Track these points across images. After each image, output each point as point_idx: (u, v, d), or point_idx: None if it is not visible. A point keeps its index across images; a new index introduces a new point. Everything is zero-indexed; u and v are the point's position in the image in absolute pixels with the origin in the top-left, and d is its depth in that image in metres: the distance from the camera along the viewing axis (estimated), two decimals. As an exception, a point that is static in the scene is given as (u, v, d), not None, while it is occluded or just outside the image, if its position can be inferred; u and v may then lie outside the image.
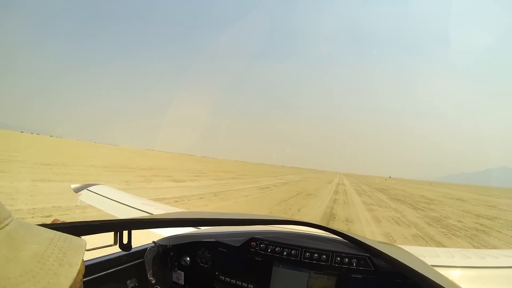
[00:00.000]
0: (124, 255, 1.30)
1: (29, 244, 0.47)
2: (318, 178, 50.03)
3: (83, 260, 0.86)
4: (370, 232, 8.29)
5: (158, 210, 2.37)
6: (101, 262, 1.23)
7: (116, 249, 1.04)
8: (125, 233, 1.03)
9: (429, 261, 1.36)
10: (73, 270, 0.50)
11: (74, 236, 0.51)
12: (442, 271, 1.23)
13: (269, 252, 1.37)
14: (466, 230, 9.96)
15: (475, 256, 1.71)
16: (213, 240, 1.49)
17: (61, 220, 0.76)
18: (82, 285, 0.85)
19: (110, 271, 1.25)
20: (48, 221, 0.73)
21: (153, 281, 1.42)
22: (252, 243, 1.41)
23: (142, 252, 1.41)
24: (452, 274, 1.28)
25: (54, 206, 7.03)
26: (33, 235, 0.48)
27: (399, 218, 11.31)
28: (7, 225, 0.46)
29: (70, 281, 0.50)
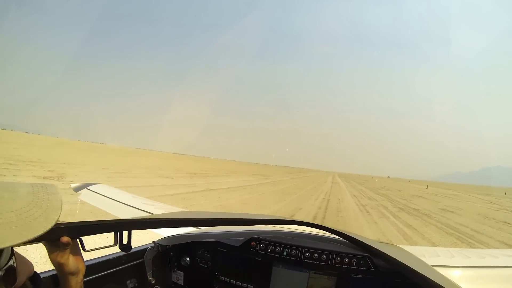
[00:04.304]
0: (124, 255, 1.30)
1: (19, 188, 0.66)
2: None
3: (83, 260, 0.87)
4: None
5: (158, 209, 2.36)
6: (101, 262, 1.23)
7: (116, 249, 1.04)
8: (125, 233, 1.03)
9: (429, 261, 1.36)
10: (58, 196, 0.69)
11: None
12: (442, 271, 1.23)
13: (269, 252, 1.37)
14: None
15: (475, 256, 1.71)
16: (213, 240, 1.49)
17: (60, 221, 0.75)
18: (83, 285, 0.85)
19: (110, 271, 1.25)
20: None
21: (153, 281, 1.42)
22: (252, 243, 1.40)
23: (142, 252, 1.41)
24: (452, 274, 1.28)
25: None
26: (17, 184, 0.67)
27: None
28: None
29: (60, 203, 0.67)
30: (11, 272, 0.62)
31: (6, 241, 0.54)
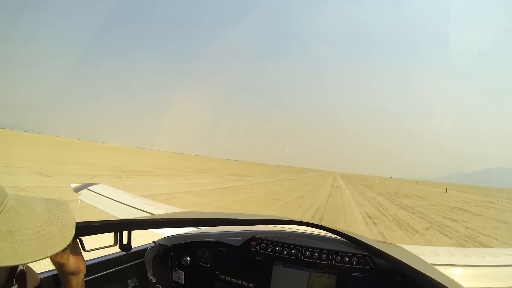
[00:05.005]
0: (124, 255, 1.30)
1: (35, 204, 0.65)
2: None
3: (84, 260, 0.87)
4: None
5: (159, 210, 2.36)
6: (101, 262, 1.23)
7: (116, 249, 1.04)
8: (125, 233, 1.03)
9: (429, 259, 1.37)
10: (72, 215, 0.69)
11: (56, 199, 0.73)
12: (442, 269, 1.23)
13: (269, 251, 1.38)
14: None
15: (475, 254, 1.71)
16: (213, 239, 1.49)
17: None
18: (84, 285, 0.86)
19: (110, 271, 1.25)
20: None
21: (154, 281, 1.42)
22: (252, 243, 1.41)
23: (142, 252, 1.41)
24: (452, 273, 1.29)
25: None
26: (32, 199, 0.67)
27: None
28: (8, 196, 0.61)
29: (73, 222, 0.68)
30: (23, 277, 0.64)
31: (26, 258, 0.56)
